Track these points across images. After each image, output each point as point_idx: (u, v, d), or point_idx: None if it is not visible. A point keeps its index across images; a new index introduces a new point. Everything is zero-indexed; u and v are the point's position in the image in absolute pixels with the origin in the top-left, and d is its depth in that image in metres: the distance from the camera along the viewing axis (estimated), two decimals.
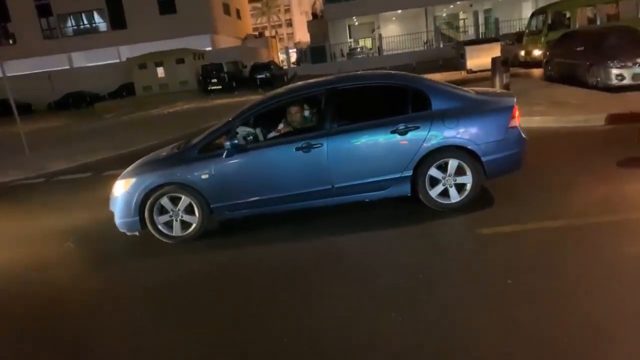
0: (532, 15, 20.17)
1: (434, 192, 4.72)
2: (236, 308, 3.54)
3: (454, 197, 4.73)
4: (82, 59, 43.71)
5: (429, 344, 2.82)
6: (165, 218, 4.86)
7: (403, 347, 2.82)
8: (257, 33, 59.21)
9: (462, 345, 2.77)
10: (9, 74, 13.15)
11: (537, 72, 16.05)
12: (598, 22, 17.80)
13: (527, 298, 3.15)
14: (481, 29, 36.29)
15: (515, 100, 4.90)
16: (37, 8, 42.85)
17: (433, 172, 4.69)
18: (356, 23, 40.73)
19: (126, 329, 3.50)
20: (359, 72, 5.86)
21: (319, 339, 2.99)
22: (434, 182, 4.72)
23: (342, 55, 38.17)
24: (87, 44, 42.86)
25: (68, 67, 43.17)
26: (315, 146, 4.62)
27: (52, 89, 38.16)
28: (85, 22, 44.43)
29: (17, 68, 36.34)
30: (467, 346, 2.75)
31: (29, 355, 3.29)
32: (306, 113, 5.21)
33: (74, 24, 44.37)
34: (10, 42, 43.04)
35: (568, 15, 18.16)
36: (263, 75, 30.35)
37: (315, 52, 39.18)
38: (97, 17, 43.99)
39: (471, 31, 37.58)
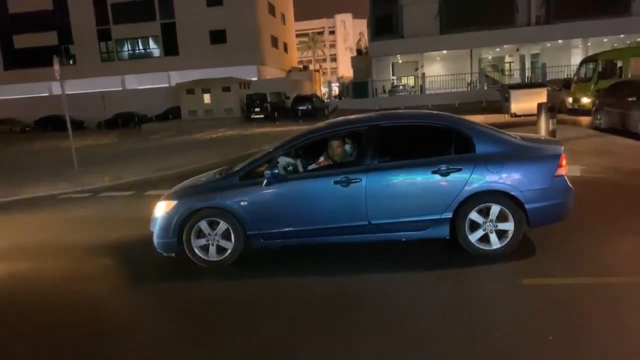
0: (582, 62, 19.89)
1: (474, 237, 4.60)
2: (264, 339, 3.49)
3: (495, 243, 4.59)
4: (134, 82, 45.89)
5: None
6: (202, 242, 4.92)
7: None
8: (301, 66, 60.72)
9: None
10: (66, 92, 13.90)
11: (585, 120, 15.68)
12: None
13: (568, 356, 2.97)
14: (527, 73, 35.95)
15: (562, 148, 4.78)
16: (98, 32, 45.57)
17: (474, 216, 4.58)
18: (400, 61, 41.14)
19: (147, 346, 3.50)
20: (402, 111, 5.89)
21: None
22: (474, 226, 4.60)
23: (384, 91, 38.46)
24: (140, 68, 45.08)
25: (120, 88, 45.35)
26: (354, 181, 4.62)
27: (104, 108, 40.05)
28: (141, 47, 46.86)
29: (74, 87, 38.37)
30: None
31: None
32: (347, 148, 5.23)
33: (129, 49, 46.83)
34: (71, 62, 45.72)
35: (619, 64, 17.80)
36: (305, 107, 30.91)
37: (357, 87, 39.70)
38: (151, 43, 46.34)
39: (517, 75, 37.26)
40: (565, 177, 4.66)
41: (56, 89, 41.38)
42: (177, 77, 41.87)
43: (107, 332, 3.84)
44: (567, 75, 29.42)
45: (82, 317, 4.12)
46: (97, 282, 4.92)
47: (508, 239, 4.57)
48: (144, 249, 5.48)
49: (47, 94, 44.14)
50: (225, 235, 4.89)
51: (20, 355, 3.56)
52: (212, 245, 4.92)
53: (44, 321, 4.09)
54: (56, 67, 12.82)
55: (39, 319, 4.16)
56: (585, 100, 17.28)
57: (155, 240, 5.08)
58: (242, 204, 4.79)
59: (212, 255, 4.93)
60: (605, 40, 33.87)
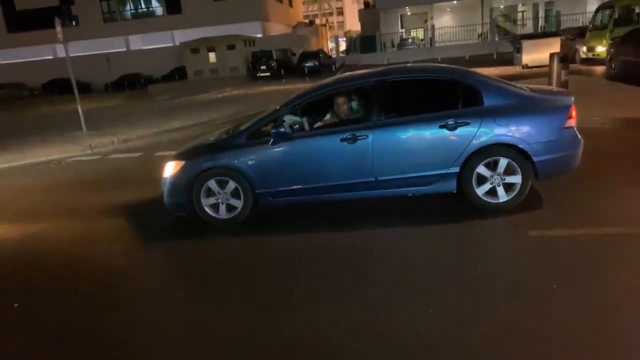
0: (598, 9, 19.14)
1: (481, 191, 4.61)
2: (268, 294, 3.60)
3: (502, 196, 4.60)
4: (138, 42, 45.21)
5: (466, 340, 2.78)
6: (211, 200, 4.99)
7: (438, 341, 2.79)
8: (307, 21, 59.18)
9: (499, 344, 2.71)
10: (70, 54, 13.78)
11: (599, 70, 15.27)
12: None
13: (571, 305, 3.04)
14: (541, 23, 34.81)
15: (572, 99, 4.69)
16: None
17: (481, 169, 4.57)
18: (409, 13, 39.96)
19: (154, 302, 3.64)
20: (409, 65, 5.78)
21: (353, 330, 3.00)
22: (482, 180, 4.60)
23: (393, 45, 37.58)
24: (143, 28, 44.26)
25: (125, 49, 44.77)
26: (360, 138, 4.60)
27: (110, 70, 39.70)
28: (143, 6, 45.84)
29: (77, 49, 37.96)
30: (505, 346, 2.69)
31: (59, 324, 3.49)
32: (353, 104, 5.19)
33: (132, 8, 45.87)
34: (73, 23, 45.01)
35: (637, 10, 17.09)
36: (311, 64, 30.44)
37: (364, 42, 38.76)
38: (154, 2, 45.28)
39: (530, 24, 36.07)
40: (575, 129, 4.60)
41: (60, 51, 40.99)
42: (181, 36, 41.16)
43: (117, 291, 3.97)
44: (582, 23, 28.42)
45: (94, 277, 4.25)
46: (109, 242, 5.04)
47: (515, 192, 4.57)
48: (155, 209, 5.58)
49: (52, 57, 43.80)
50: (235, 194, 4.95)
51: (36, 315, 3.71)
52: (222, 203, 4.99)
53: (59, 281, 4.24)
54: (58, 29, 12.64)
55: (54, 279, 4.30)
56: (600, 49, 16.76)
57: (166, 199, 5.17)
58: (249, 162, 4.82)
59: (222, 214, 5.02)
60: None
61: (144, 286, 4.03)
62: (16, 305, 3.82)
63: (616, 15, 16.88)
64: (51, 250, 4.97)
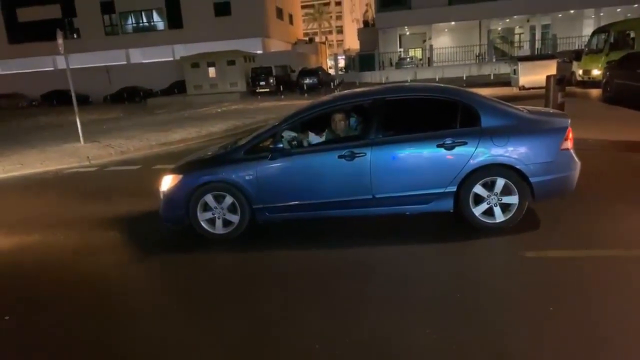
0: (594, 33, 19.45)
1: (478, 210, 4.62)
2: (265, 310, 3.57)
3: (499, 216, 4.61)
4: (138, 55, 45.53)
5: None
6: (208, 215, 4.98)
7: None
8: (307, 38, 59.77)
9: None
10: (71, 66, 13.85)
11: (595, 92, 15.44)
12: None
13: (568, 327, 3.02)
14: (537, 45, 35.27)
15: (569, 121, 4.73)
16: (101, 5, 45.02)
17: (478, 189, 4.58)
18: (407, 33, 40.45)
19: (151, 317, 3.59)
20: (407, 84, 5.83)
21: (349, 349, 2.97)
22: (479, 200, 4.61)
23: (391, 64, 37.98)
24: (144, 41, 44.62)
25: (125, 62, 45.04)
26: (358, 155, 4.62)
27: (109, 82, 39.91)
28: (145, 20, 46.26)
29: (78, 61, 38.16)
30: None
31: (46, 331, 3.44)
32: (352, 122, 5.22)
33: (133, 22, 46.29)
34: (75, 36, 45.34)
35: (632, 35, 17.38)
36: (310, 81, 30.66)
37: (363, 60, 39.19)
38: (155, 16, 45.73)
39: (526, 46, 36.58)
40: (572, 151, 4.63)
41: (61, 63, 41.26)
42: (182, 51, 41.44)
43: (113, 303, 3.93)
44: (578, 46, 28.84)
45: (90, 289, 4.21)
46: (106, 255, 5.01)
47: (512, 212, 4.58)
48: (151, 222, 5.56)
49: (52, 68, 44.00)
50: (231, 209, 4.94)
51: (32, 327, 3.66)
52: (219, 218, 4.97)
53: (55, 293, 4.19)
54: (60, 41, 12.73)
55: (46, 291, 4.25)
56: (596, 72, 16.97)
57: (162, 213, 5.15)
58: (247, 178, 4.82)
59: (219, 229, 5.00)
60: (619, 10, 33.03)
61: (137, 300, 3.99)
62: (7, 317, 3.77)
63: (612, 40, 17.15)
64: (45, 262, 4.93)
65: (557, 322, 3.10)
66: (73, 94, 13.68)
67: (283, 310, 3.54)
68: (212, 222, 5.00)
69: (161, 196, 5.14)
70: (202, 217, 4.98)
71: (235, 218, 4.94)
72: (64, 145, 13.05)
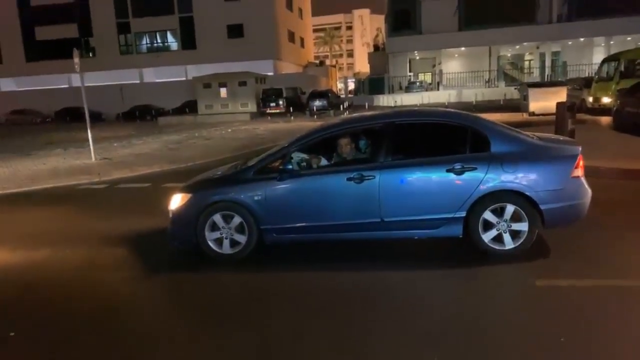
0: (604, 61, 19.52)
1: (487, 237, 4.57)
2: (270, 333, 3.53)
3: (508, 243, 4.56)
4: (151, 75, 46.36)
5: None
6: (216, 235, 4.97)
7: None
8: (318, 61, 60.58)
9: None
10: (85, 84, 14.11)
11: (605, 120, 15.40)
12: None
13: (579, 359, 2.96)
14: (547, 72, 35.45)
15: (580, 149, 4.71)
16: (117, 25, 46.10)
17: (488, 215, 4.55)
18: (417, 57, 40.85)
19: (156, 335, 3.56)
20: (417, 108, 5.86)
21: None
22: (488, 226, 4.57)
23: (401, 88, 38.26)
24: (158, 61, 45.48)
25: (138, 81, 45.83)
26: (367, 178, 4.61)
27: (122, 100, 40.52)
28: (159, 40, 47.27)
29: (93, 79, 38.90)
30: None
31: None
32: (361, 144, 5.23)
33: (148, 42, 47.27)
34: (90, 55, 46.32)
35: None
36: (320, 103, 30.87)
37: (373, 83, 39.56)
38: (170, 37, 46.72)
39: (536, 73, 36.75)
40: (582, 179, 4.60)
41: (75, 80, 42.06)
42: (194, 71, 42.15)
43: (119, 321, 3.91)
44: (588, 74, 28.92)
45: (96, 307, 4.20)
46: (113, 272, 5.01)
47: (522, 239, 4.53)
48: (161, 240, 5.56)
49: (66, 86, 44.83)
50: (239, 229, 4.93)
51: (38, 343, 3.64)
52: (226, 238, 4.96)
53: (62, 310, 4.18)
54: (76, 59, 13.01)
55: (52, 307, 4.24)
56: (606, 100, 16.97)
57: (169, 232, 5.16)
58: (256, 198, 4.83)
59: (226, 249, 4.98)
60: (629, 38, 33.19)
61: (143, 318, 3.96)
62: (12, 334, 3.75)
63: (622, 68, 17.19)
64: (52, 278, 4.93)
65: (569, 354, 3.03)
66: (86, 112, 13.91)
67: (287, 335, 3.49)
68: (219, 242, 4.99)
69: (170, 215, 5.15)
70: (210, 237, 4.97)
71: (242, 238, 4.93)
72: (75, 162, 13.19)
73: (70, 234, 6.50)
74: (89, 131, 13.64)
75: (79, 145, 17.41)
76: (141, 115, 38.61)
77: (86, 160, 13.25)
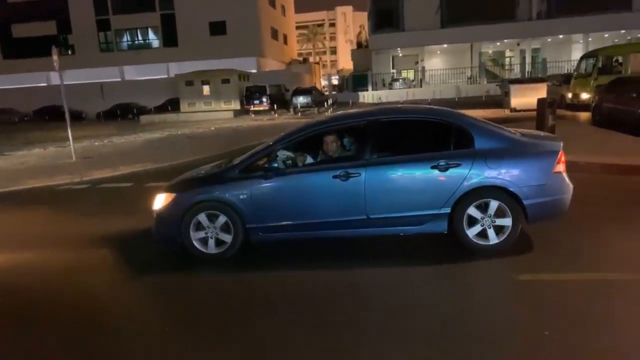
0: (582, 58, 19.86)
1: (472, 232, 4.62)
2: (257, 334, 3.51)
3: (492, 238, 4.62)
4: (133, 73, 45.71)
5: None
6: (201, 234, 4.93)
7: None
8: (301, 58, 60.47)
9: None
10: (65, 83, 13.86)
11: (584, 115, 15.68)
12: None
13: (563, 352, 3.00)
14: (527, 68, 35.92)
15: (561, 145, 4.79)
16: (97, 22, 45.32)
17: (472, 211, 4.60)
18: (400, 54, 41.04)
19: (142, 338, 3.53)
20: (401, 105, 5.88)
21: None
22: (472, 221, 4.62)
23: (384, 84, 38.42)
24: (139, 59, 44.89)
25: (119, 79, 45.17)
26: (353, 175, 4.62)
27: (103, 99, 39.91)
28: (140, 38, 46.63)
29: (72, 77, 38.25)
30: None
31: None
32: (346, 142, 5.24)
33: (129, 39, 46.60)
34: (69, 52, 45.48)
35: (620, 60, 17.76)
36: (304, 100, 30.86)
37: (357, 80, 39.68)
38: (151, 34, 46.12)
39: (517, 69, 37.24)
40: (564, 174, 4.68)
41: (54, 79, 41.34)
42: (176, 69, 41.72)
43: (105, 324, 3.85)
44: (568, 70, 29.43)
45: (81, 309, 4.13)
46: (97, 273, 4.93)
47: (506, 234, 4.59)
48: (143, 240, 5.49)
49: (45, 84, 43.98)
50: (224, 229, 4.90)
51: (22, 346, 3.57)
52: (211, 238, 4.93)
53: (46, 312, 4.11)
54: (55, 57, 12.76)
55: (39, 311, 4.17)
56: (585, 96, 17.28)
57: (154, 231, 5.10)
58: (241, 197, 4.80)
59: (211, 248, 4.95)
60: (607, 35, 33.84)
61: (128, 321, 3.91)
62: None
63: (600, 64, 17.52)
64: (35, 280, 4.83)
65: (552, 347, 3.08)
66: (66, 110, 13.65)
67: (274, 334, 3.48)
68: (204, 241, 4.95)
69: (154, 215, 5.09)
70: (195, 237, 4.92)
71: (228, 238, 4.90)
72: (56, 162, 12.95)
73: (52, 236, 6.38)
74: (69, 130, 13.40)
75: (59, 144, 17.11)
76: (122, 113, 38.07)
77: (67, 160, 13.02)
